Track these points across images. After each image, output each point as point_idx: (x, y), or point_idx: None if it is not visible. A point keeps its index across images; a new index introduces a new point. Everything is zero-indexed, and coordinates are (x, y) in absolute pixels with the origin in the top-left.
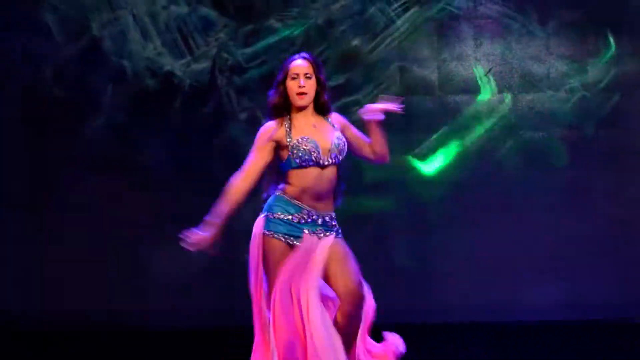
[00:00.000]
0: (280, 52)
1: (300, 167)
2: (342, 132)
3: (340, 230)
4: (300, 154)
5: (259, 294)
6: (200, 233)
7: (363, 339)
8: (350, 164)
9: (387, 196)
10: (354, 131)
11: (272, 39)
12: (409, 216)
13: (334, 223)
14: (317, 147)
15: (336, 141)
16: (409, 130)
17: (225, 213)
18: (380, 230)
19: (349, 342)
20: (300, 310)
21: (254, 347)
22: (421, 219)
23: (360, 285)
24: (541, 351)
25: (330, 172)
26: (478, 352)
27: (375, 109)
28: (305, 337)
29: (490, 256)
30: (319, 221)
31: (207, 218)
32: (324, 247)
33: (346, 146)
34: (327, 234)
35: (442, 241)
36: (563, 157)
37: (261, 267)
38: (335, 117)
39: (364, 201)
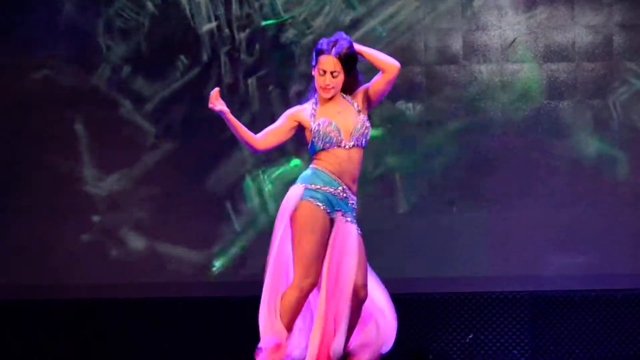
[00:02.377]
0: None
1: (324, 149)
2: (362, 98)
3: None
4: (322, 136)
5: (279, 263)
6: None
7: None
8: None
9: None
10: (369, 85)
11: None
12: (428, 189)
13: (355, 207)
14: (337, 129)
15: (358, 125)
16: (433, 100)
17: (237, 123)
18: (399, 203)
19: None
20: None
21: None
22: (439, 193)
23: (365, 287)
24: (562, 320)
25: (356, 154)
26: (495, 320)
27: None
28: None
29: (516, 227)
30: (350, 202)
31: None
32: (353, 239)
33: (368, 130)
34: (352, 221)
35: (462, 215)
36: (588, 128)
37: (288, 235)
38: (355, 95)
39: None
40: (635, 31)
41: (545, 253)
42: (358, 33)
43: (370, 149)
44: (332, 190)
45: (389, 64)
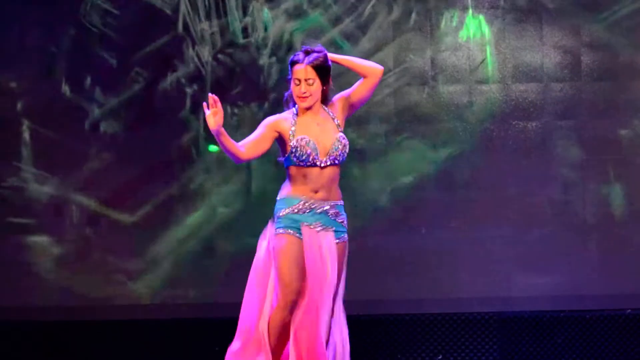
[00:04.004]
0: None
1: (299, 165)
2: (342, 104)
3: (341, 221)
4: (298, 154)
5: (257, 296)
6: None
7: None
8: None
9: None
10: (349, 91)
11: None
12: (396, 210)
13: (333, 212)
14: (315, 149)
15: (337, 144)
16: (398, 122)
17: (229, 139)
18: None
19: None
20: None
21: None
22: (407, 213)
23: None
24: (531, 341)
25: (329, 171)
26: (470, 343)
27: None
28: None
29: (484, 247)
30: (318, 210)
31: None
32: (327, 249)
33: (347, 148)
34: (327, 229)
35: (430, 236)
36: (556, 148)
37: (272, 268)
38: (335, 104)
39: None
40: (604, 52)
41: (513, 274)
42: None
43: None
44: (291, 209)
45: (371, 68)
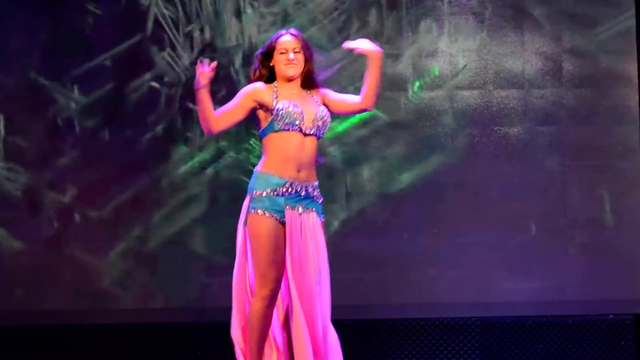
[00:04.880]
0: None
1: (282, 130)
2: (324, 101)
3: (321, 202)
4: (285, 117)
5: (243, 277)
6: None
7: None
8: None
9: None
10: (335, 95)
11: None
12: (379, 215)
13: (315, 193)
14: (301, 113)
15: (321, 113)
16: (379, 127)
17: (208, 101)
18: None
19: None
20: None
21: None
22: (390, 219)
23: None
24: (514, 346)
25: (311, 143)
26: (457, 348)
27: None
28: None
29: (466, 253)
30: (302, 193)
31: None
32: (311, 228)
33: (329, 120)
34: (309, 209)
35: (413, 241)
36: (537, 154)
37: (248, 249)
38: (318, 91)
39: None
40: (585, 58)
41: (496, 279)
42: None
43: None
44: (275, 191)
45: (372, 100)
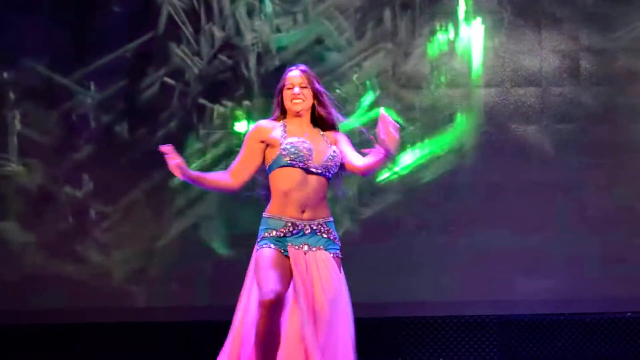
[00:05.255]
0: None
1: (287, 166)
2: (337, 145)
3: (333, 238)
4: (293, 152)
5: (242, 311)
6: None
7: None
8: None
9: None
10: (346, 148)
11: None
12: (398, 213)
13: (324, 229)
14: (310, 149)
15: (332, 154)
16: (401, 124)
17: (202, 177)
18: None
19: None
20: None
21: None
22: (409, 217)
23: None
24: (531, 344)
25: (316, 182)
26: (461, 345)
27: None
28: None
29: (484, 251)
30: (307, 231)
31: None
32: (318, 265)
33: (339, 162)
34: (314, 248)
35: (431, 239)
36: (554, 152)
37: (253, 282)
38: (332, 134)
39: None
40: (602, 55)
41: (513, 277)
42: (327, 60)
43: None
44: (276, 232)
45: (369, 172)
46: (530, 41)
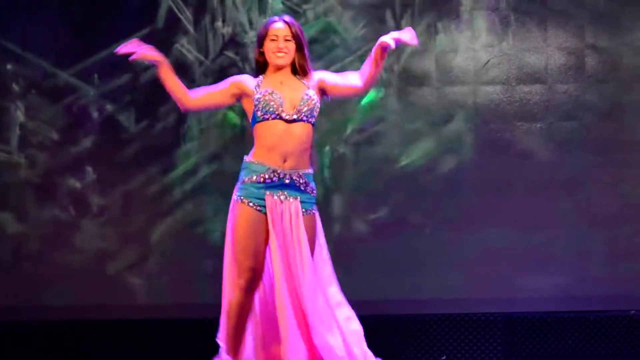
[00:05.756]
0: None
1: (264, 120)
2: (319, 85)
3: (310, 191)
4: (262, 106)
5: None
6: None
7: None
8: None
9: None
10: (333, 79)
11: None
12: (403, 211)
13: (302, 181)
14: (280, 99)
15: (305, 97)
16: (402, 122)
17: (173, 76)
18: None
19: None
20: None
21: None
22: (413, 214)
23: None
24: (536, 342)
25: (299, 130)
26: (473, 343)
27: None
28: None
29: (489, 249)
30: (287, 180)
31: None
32: (290, 217)
33: (316, 104)
34: (291, 198)
35: (435, 236)
36: (560, 149)
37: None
38: (312, 77)
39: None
40: (608, 53)
41: (518, 274)
42: (331, 54)
43: (340, 167)
44: (256, 177)
45: (371, 85)
46: (536, 38)
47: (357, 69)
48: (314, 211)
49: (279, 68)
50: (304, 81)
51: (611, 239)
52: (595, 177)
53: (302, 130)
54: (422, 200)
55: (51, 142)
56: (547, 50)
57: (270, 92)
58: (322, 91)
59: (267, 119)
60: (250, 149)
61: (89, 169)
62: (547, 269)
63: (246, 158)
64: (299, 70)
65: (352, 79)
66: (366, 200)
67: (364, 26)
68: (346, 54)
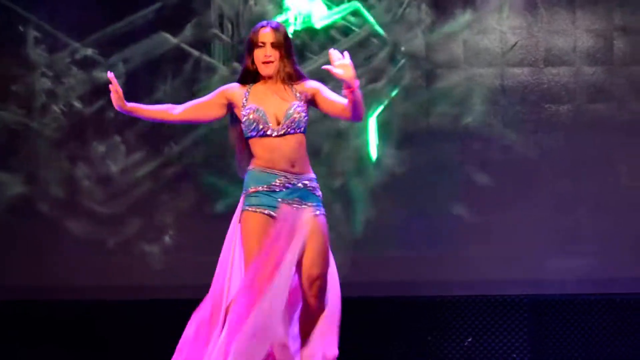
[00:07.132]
0: None
1: (251, 137)
2: (312, 98)
3: (320, 198)
4: (248, 124)
5: (225, 272)
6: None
7: (323, 335)
8: None
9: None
10: (326, 94)
11: None
12: (428, 192)
13: (313, 186)
14: (264, 116)
15: (289, 111)
16: (430, 104)
17: (141, 109)
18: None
19: (305, 330)
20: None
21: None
22: (441, 193)
23: (323, 277)
24: (562, 324)
25: (290, 141)
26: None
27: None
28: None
29: (516, 230)
30: (299, 185)
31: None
32: (305, 223)
33: (303, 117)
34: (304, 205)
35: (462, 218)
36: (588, 131)
37: (238, 245)
38: (305, 85)
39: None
40: (636, 35)
41: (545, 256)
42: (359, 36)
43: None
44: (266, 187)
45: (357, 114)
46: (564, 20)
47: (387, 54)
48: (322, 213)
49: (269, 77)
50: (294, 89)
51: (639, 221)
52: (622, 158)
53: (293, 141)
54: (448, 180)
55: (71, 115)
56: (575, 32)
57: (254, 109)
58: (313, 101)
59: (255, 136)
60: None
61: (117, 138)
62: (574, 251)
63: (250, 166)
64: (286, 78)
65: (342, 108)
66: (393, 182)
67: (393, 11)
68: (377, 41)
